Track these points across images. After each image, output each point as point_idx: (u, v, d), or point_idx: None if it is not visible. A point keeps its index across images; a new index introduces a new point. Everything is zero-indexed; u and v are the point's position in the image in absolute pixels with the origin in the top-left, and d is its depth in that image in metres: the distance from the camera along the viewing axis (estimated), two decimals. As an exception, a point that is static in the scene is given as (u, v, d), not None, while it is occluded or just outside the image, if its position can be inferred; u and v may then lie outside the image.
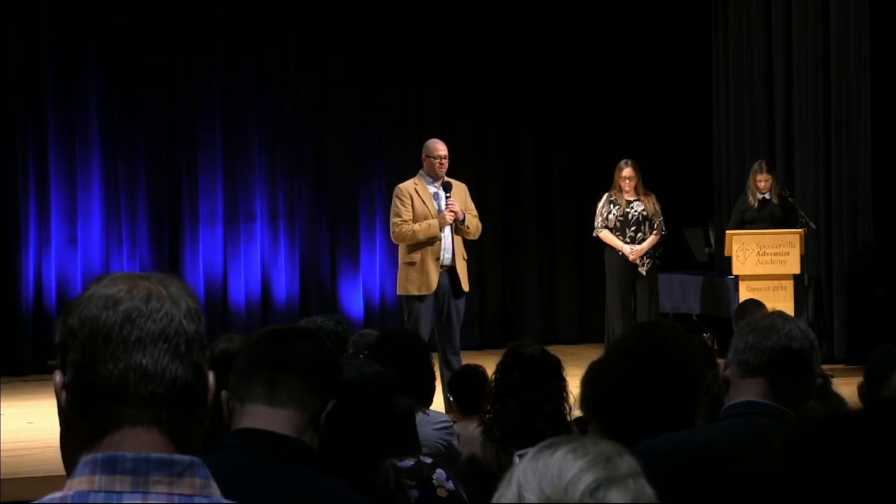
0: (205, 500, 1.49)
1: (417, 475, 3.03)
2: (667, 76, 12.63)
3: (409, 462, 3.06)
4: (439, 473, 3.08)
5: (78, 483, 1.47)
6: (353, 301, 11.92)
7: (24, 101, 11.11)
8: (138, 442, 1.49)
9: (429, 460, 3.14)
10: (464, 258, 8.28)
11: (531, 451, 1.35)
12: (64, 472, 1.57)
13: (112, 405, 1.50)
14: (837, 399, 4.22)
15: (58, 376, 1.54)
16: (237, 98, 11.74)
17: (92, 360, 1.50)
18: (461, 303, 8.23)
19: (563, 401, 4.22)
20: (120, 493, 1.45)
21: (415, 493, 3.00)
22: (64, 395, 1.53)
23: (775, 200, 9.88)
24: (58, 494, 1.48)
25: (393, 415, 3.06)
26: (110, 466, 1.47)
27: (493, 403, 4.23)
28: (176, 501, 1.47)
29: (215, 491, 1.51)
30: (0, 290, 10.95)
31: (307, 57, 11.98)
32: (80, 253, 11.25)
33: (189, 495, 1.48)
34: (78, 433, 1.52)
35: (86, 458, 1.48)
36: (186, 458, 1.50)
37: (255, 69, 11.79)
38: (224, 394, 2.34)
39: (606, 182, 9.97)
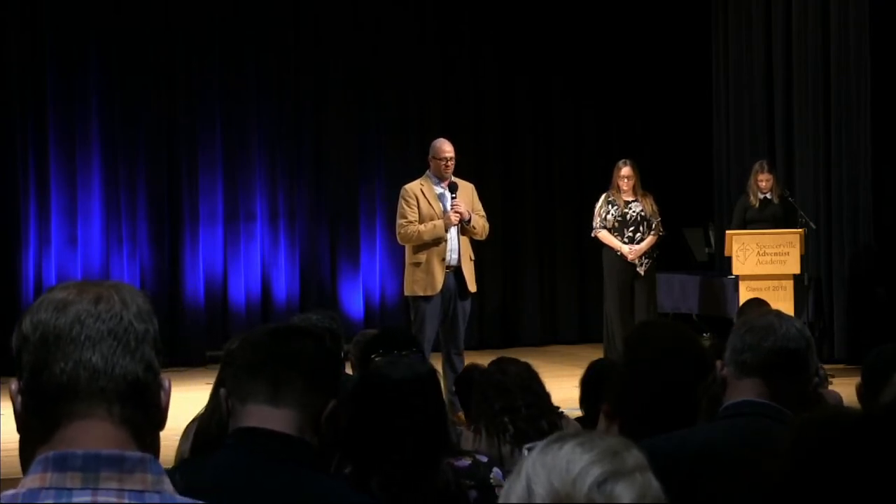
0: (156, 497, 1.50)
1: (475, 475, 3.03)
2: (667, 76, 12.63)
3: (466, 462, 3.05)
4: (496, 472, 3.07)
5: (30, 481, 1.49)
6: (353, 301, 11.93)
7: (24, 101, 11.11)
8: (89, 437, 1.51)
9: (484, 459, 3.13)
10: (471, 259, 8.26)
11: (540, 444, 1.36)
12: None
13: (64, 402, 1.52)
14: (826, 400, 4.22)
15: (13, 384, 1.57)
16: (237, 98, 11.74)
17: (44, 360, 1.53)
18: (467, 304, 8.23)
19: (546, 398, 4.28)
20: (70, 490, 1.47)
21: (473, 493, 3.00)
22: (19, 399, 1.56)
23: (776, 200, 9.88)
24: (10, 492, 1.50)
25: (445, 412, 3.08)
26: (61, 464, 1.49)
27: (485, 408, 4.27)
28: (126, 499, 1.48)
29: (168, 487, 1.52)
30: (0, 290, 10.96)
31: (307, 57, 11.99)
32: (80, 253, 11.25)
33: (140, 492, 1.49)
34: (33, 433, 1.54)
35: (39, 457, 1.50)
36: (138, 454, 1.51)
37: (255, 69, 11.79)
38: (222, 392, 2.35)
39: (606, 182, 9.97)
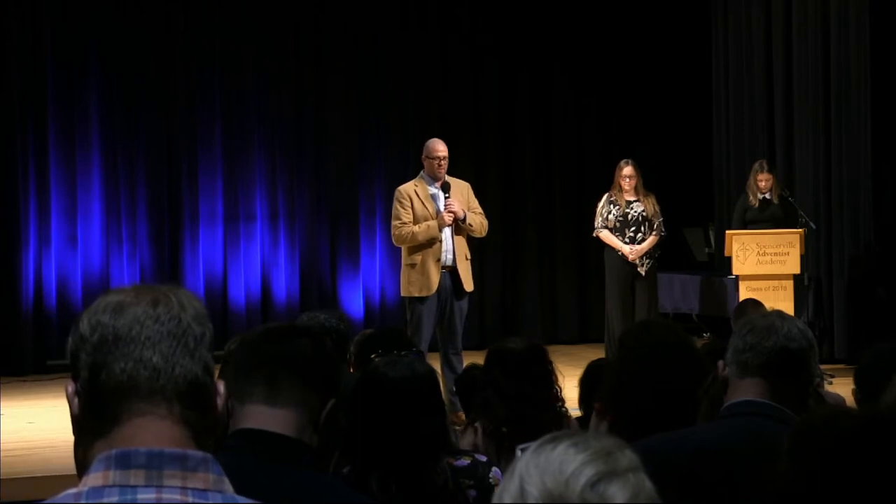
0: (219, 496, 1.51)
1: (474, 474, 3.03)
2: (667, 76, 12.63)
3: (465, 461, 3.05)
4: (495, 472, 3.08)
5: (93, 479, 1.49)
6: (353, 301, 11.93)
7: (24, 102, 11.11)
8: (150, 434, 1.52)
9: (483, 458, 3.13)
10: (466, 258, 8.25)
11: (533, 444, 1.36)
12: (64, 471, 1.58)
13: (124, 400, 1.54)
14: (827, 401, 4.21)
15: (69, 386, 1.58)
16: (237, 98, 11.74)
17: (103, 360, 1.54)
18: (464, 303, 8.22)
19: (550, 387, 4.22)
20: (134, 487, 1.47)
21: (472, 492, 3.01)
22: (76, 401, 1.57)
23: (776, 200, 9.88)
24: (72, 491, 1.50)
25: (444, 412, 3.08)
26: (124, 461, 1.49)
27: (480, 400, 4.25)
28: (189, 497, 1.48)
29: (228, 488, 1.54)
30: (0, 290, 10.95)
31: (307, 57, 11.98)
32: (80, 253, 11.25)
33: (203, 490, 1.50)
34: (91, 433, 1.55)
35: (100, 455, 1.51)
36: (200, 453, 1.53)
37: (256, 69, 11.79)
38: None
39: (606, 182, 9.97)
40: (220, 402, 1.61)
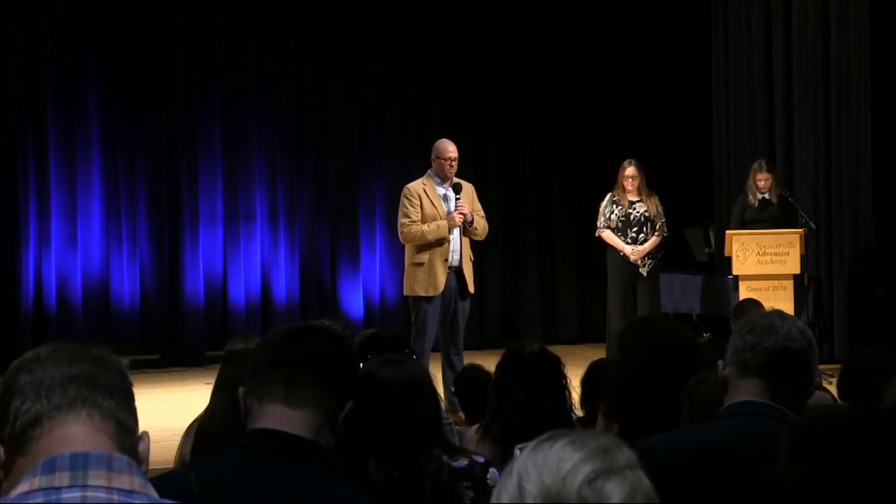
0: (144, 498, 1.51)
1: (472, 475, 3.03)
2: (667, 76, 12.62)
3: (463, 462, 3.05)
4: (493, 472, 3.07)
5: (19, 488, 1.50)
6: (353, 301, 11.92)
7: (24, 102, 11.10)
8: (73, 442, 1.53)
9: (481, 459, 3.13)
10: (470, 259, 8.27)
11: (531, 443, 1.36)
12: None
13: (46, 421, 1.55)
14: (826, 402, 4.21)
15: None
16: (237, 98, 11.74)
17: (22, 400, 1.56)
18: (467, 304, 8.24)
19: (563, 398, 4.19)
20: (59, 488, 1.47)
21: (470, 493, 3.00)
22: (2, 451, 1.57)
23: (775, 200, 9.87)
24: None
25: (439, 410, 3.08)
26: (50, 467, 1.49)
27: (492, 403, 4.22)
28: (115, 497, 1.48)
29: (153, 493, 1.53)
30: (0, 290, 10.95)
31: (307, 57, 11.98)
32: (80, 253, 11.24)
33: (129, 491, 1.49)
34: (15, 460, 1.56)
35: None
36: (125, 457, 1.53)
37: (256, 69, 11.79)
38: (241, 391, 2.35)
39: (606, 182, 9.97)
40: (141, 446, 1.61)
